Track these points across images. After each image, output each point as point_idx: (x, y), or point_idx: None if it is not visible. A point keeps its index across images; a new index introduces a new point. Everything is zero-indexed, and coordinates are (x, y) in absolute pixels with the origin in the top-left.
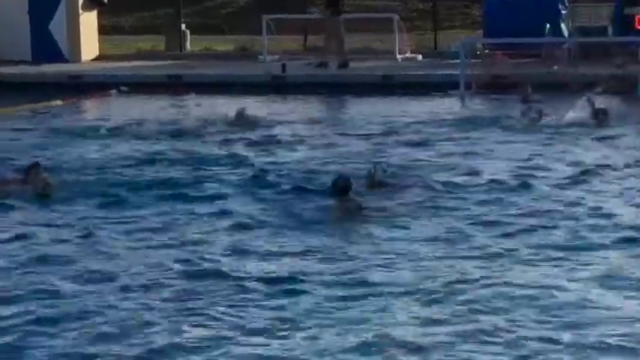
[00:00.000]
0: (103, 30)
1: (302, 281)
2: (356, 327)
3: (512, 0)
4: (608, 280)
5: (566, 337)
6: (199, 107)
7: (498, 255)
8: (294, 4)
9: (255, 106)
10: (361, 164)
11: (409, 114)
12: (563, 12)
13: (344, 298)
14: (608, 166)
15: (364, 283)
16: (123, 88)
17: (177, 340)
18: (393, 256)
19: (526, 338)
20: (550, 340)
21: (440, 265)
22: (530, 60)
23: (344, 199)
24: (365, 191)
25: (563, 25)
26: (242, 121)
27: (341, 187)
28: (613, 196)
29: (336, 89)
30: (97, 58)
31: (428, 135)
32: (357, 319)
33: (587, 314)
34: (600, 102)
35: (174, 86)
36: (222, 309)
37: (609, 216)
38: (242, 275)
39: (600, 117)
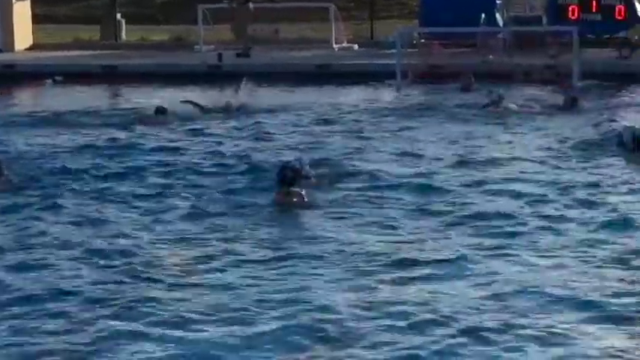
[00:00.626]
0: (36, 19)
1: (244, 274)
2: (297, 319)
3: None
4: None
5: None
6: (132, 97)
7: (434, 241)
8: None
9: (192, 97)
10: (292, 155)
11: (345, 103)
12: (498, 2)
13: (287, 291)
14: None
15: (309, 275)
16: (57, 77)
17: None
18: (336, 246)
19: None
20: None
21: (380, 255)
22: (466, 49)
23: (289, 191)
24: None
25: (498, 15)
26: (229, 110)
27: (288, 178)
28: (557, 186)
29: (272, 78)
30: (30, 48)
31: (364, 124)
32: (299, 313)
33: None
34: (573, 91)
35: (109, 76)
36: (159, 302)
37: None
38: (181, 269)
39: (572, 103)
